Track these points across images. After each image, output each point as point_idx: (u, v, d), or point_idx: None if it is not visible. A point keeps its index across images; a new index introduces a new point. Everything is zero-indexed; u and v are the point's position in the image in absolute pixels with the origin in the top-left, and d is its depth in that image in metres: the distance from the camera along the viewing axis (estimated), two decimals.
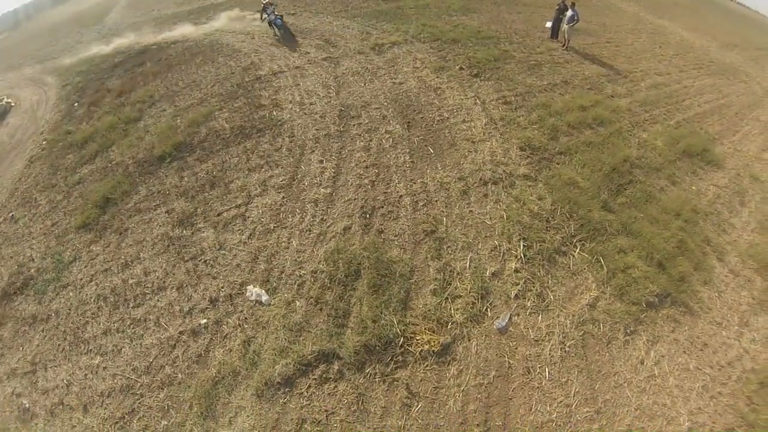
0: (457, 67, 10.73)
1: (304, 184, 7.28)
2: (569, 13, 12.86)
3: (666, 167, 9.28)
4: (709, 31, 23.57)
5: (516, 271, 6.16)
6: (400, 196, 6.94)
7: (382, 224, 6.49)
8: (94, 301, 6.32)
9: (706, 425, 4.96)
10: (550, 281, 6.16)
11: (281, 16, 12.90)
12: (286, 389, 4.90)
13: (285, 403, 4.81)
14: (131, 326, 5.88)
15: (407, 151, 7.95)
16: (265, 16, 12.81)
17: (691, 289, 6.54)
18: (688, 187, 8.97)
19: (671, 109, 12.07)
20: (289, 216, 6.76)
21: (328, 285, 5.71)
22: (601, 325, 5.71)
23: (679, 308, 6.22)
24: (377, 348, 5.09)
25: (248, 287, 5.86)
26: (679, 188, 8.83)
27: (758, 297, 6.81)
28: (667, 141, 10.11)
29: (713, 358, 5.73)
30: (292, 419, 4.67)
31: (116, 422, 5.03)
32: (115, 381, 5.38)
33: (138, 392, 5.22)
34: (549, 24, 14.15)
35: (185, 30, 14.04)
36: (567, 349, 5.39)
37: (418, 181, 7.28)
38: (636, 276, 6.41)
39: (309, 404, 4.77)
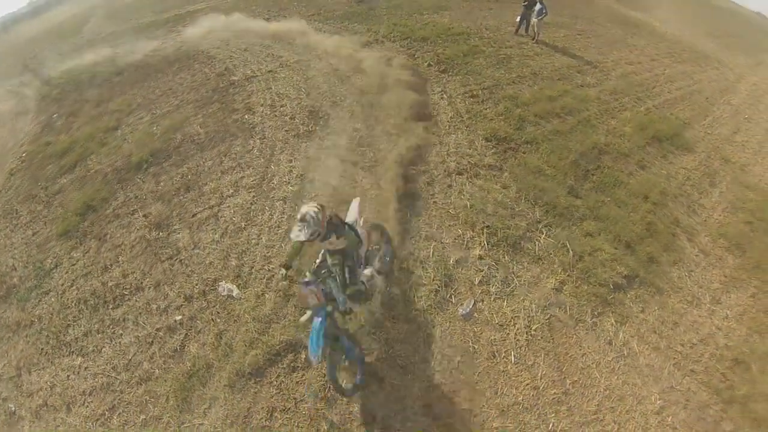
0: (426, 64, 11.00)
1: (273, 183, 7.52)
2: (538, 6, 13.13)
3: (635, 152, 9.51)
4: (684, 21, 23.95)
5: (480, 258, 6.37)
6: (366, 189, 7.20)
7: None
8: (75, 304, 6.50)
9: (679, 403, 5.09)
10: (515, 267, 6.37)
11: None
12: (257, 379, 5.12)
13: (256, 392, 5.03)
14: (111, 326, 6.08)
15: (373, 147, 8.20)
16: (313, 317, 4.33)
17: (661, 269, 6.72)
18: (658, 170, 9.18)
19: (641, 96, 12.34)
20: (259, 214, 7.00)
21: (295, 277, 5.95)
22: (568, 308, 5.90)
23: (648, 289, 6.39)
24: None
25: (220, 283, 6.10)
26: (648, 172, 9.04)
27: (730, 275, 6.99)
28: (636, 127, 10.35)
29: (685, 336, 5.86)
30: (262, 408, 4.89)
31: (97, 419, 5.22)
32: (96, 380, 5.57)
33: (117, 389, 5.42)
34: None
35: (162, 38, 14.21)
36: (533, 332, 5.57)
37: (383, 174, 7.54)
38: (603, 258, 6.64)
39: (278, 393, 4.99)
